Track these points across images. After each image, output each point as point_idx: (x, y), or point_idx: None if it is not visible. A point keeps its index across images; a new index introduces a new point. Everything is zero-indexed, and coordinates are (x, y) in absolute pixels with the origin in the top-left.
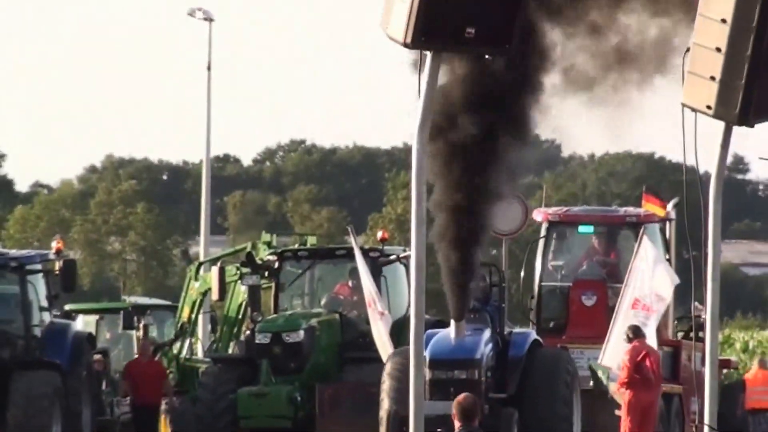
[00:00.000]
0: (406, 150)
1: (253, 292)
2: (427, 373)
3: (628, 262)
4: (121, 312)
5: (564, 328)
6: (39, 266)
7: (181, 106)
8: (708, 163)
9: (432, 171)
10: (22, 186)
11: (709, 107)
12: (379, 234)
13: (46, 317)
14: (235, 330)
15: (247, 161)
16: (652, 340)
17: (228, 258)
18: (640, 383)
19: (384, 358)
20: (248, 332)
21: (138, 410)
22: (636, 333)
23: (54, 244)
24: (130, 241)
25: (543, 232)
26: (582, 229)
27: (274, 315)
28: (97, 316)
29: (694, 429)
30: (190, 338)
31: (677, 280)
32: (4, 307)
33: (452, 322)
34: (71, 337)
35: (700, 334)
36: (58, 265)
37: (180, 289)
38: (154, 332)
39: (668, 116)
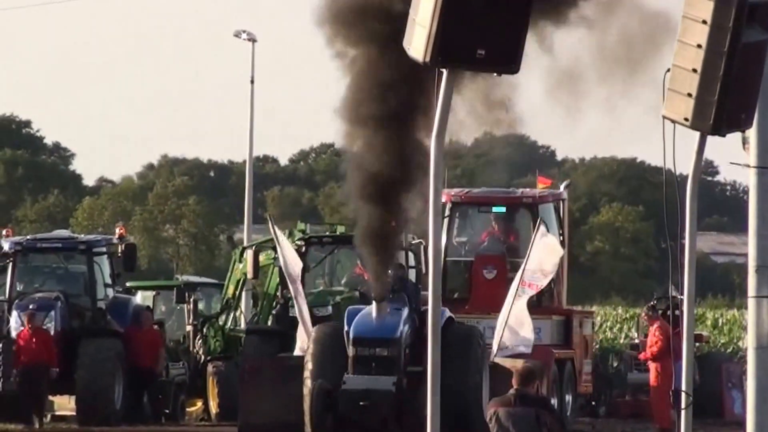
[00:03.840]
0: None
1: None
2: (350, 350)
3: (525, 239)
4: (175, 289)
5: (467, 299)
6: (104, 249)
7: (228, 112)
8: (684, 167)
9: (349, 162)
10: (89, 180)
11: (686, 119)
12: (393, 224)
13: (110, 292)
14: (274, 305)
15: (284, 161)
16: (522, 310)
17: (267, 243)
18: (670, 356)
19: (302, 333)
20: (278, 306)
21: (135, 371)
22: (655, 311)
23: (117, 231)
24: (182, 228)
25: (447, 212)
26: (484, 208)
27: None
28: (153, 292)
29: (586, 388)
30: (234, 312)
31: (560, 252)
32: (74, 284)
33: (374, 303)
34: (131, 310)
35: (677, 312)
36: (120, 248)
37: (226, 269)
38: (202, 306)
39: (649, 127)
